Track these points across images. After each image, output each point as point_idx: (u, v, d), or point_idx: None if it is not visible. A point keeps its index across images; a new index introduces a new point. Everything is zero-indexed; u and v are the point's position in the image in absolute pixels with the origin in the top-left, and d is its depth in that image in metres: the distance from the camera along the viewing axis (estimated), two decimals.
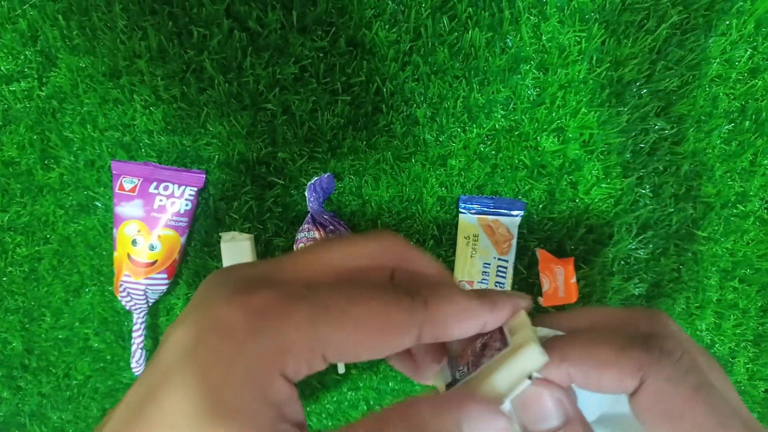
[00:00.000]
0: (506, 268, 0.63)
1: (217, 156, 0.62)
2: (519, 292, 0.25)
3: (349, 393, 0.71)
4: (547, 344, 0.24)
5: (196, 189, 0.61)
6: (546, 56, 0.58)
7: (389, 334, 0.21)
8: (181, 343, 0.19)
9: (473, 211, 0.62)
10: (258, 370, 0.19)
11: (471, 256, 0.63)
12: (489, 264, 0.63)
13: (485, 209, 0.62)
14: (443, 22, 0.57)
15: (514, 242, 0.63)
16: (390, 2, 0.56)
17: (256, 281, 0.21)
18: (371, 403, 0.71)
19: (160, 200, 0.60)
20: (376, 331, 0.21)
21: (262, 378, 0.19)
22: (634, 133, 0.60)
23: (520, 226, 0.63)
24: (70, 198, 0.64)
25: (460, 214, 0.62)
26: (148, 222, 0.60)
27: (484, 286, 0.62)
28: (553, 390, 0.24)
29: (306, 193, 0.61)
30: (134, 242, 0.60)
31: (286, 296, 0.20)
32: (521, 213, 0.62)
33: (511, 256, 0.63)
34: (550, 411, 0.24)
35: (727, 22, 0.58)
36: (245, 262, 0.22)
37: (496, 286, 0.63)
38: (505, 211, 0.62)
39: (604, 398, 0.26)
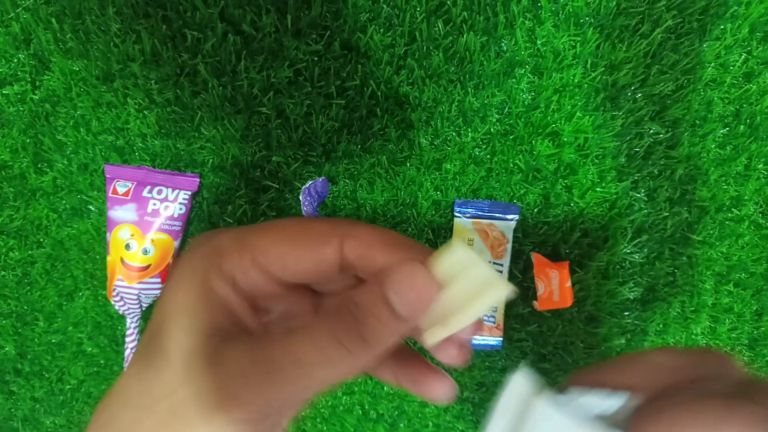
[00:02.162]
0: (501, 272, 0.63)
1: (211, 160, 0.61)
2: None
3: (344, 397, 0.71)
4: (637, 417, 0.19)
5: (190, 193, 0.61)
6: (541, 60, 0.58)
7: (310, 240, 0.24)
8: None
9: (468, 215, 0.62)
10: (200, 269, 0.23)
11: None
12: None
13: (480, 213, 0.62)
14: (438, 26, 0.57)
15: (509, 246, 0.63)
16: (385, 6, 0.56)
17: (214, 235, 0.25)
18: (366, 407, 0.71)
19: (154, 204, 0.60)
20: (298, 234, 0.24)
21: (204, 274, 0.23)
22: (628, 137, 0.60)
23: (515, 230, 0.63)
24: (64, 202, 0.63)
25: (455, 218, 0.62)
26: (142, 226, 0.60)
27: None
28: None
29: (300, 197, 0.61)
30: (127, 246, 0.60)
31: (229, 232, 0.25)
32: (516, 217, 0.62)
33: (506, 260, 0.63)
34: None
35: (722, 27, 0.58)
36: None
37: None
38: (500, 215, 0.62)
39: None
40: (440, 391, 0.26)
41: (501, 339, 0.64)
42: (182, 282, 0.23)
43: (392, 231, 0.25)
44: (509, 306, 0.65)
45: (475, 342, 0.65)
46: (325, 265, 0.24)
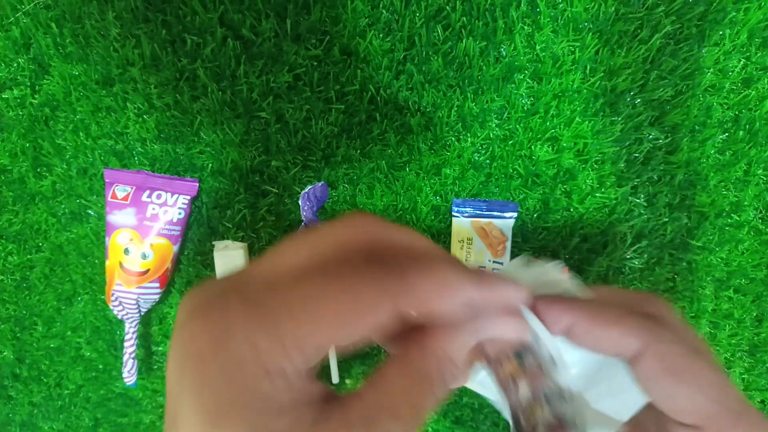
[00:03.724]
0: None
1: (210, 164, 0.61)
2: (513, 281, 0.25)
3: None
4: (556, 298, 0.26)
5: (189, 197, 0.61)
6: (540, 66, 0.58)
7: (360, 310, 0.20)
8: (172, 368, 0.21)
9: (466, 215, 0.62)
10: (224, 389, 0.19)
11: (465, 260, 0.62)
12: (484, 267, 0.62)
13: (478, 212, 0.62)
14: (437, 31, 0.57)
15: (508, 244, 0.62)
16: (384, 11, 0.56)
17: (219, 294, 0.21)
18: None
19: (153, 209, 0.60)
20: (346, 310, 0.20)
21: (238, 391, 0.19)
22: (628, 143, 0.60)
23: (514, 235, 0.63)
24: (63, 206, 0.63)
25: (453, 218, 0.62)
26: (141, 230, 0.60)
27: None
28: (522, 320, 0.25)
29: (300, 202, 0.61)
30: (126, 251, 0.60)
31: (247, 305, 0.20)
32: (514, 215, 0.62)
33: (506, 259, 0.63)
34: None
35: (720, 32, 0.58)
36: (219, 278, 0.23)
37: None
38: (498, 213, 0.62)
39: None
40: None
41: None
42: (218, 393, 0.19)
43: (443, 267, 0.22)
44: None
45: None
46: (377, 327, 0.21)
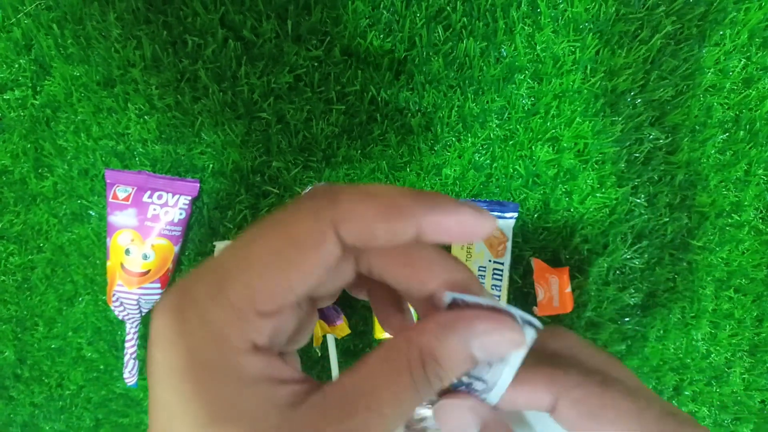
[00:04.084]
0: (502, 271, 0.62)
1: (211, 165, 0.61)
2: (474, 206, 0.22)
3: None
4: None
5: (190, 198, 0.61)
6: (540, 66, 0.58)
7: (296, 244, 0.19)
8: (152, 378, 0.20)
9: None
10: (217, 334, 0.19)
11: (466, 260, 0.62)
12: (484, 267, 0.62)
13: None
14: (438, 32, 0.57)
15: (508, 245, 0.62)
16: (385, 12, 0.57)
17: (173, 291, 0.21)
18: None
19: (154, 209, 0.60)
20: (282, 246, 0.19)
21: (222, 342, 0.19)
22: (628, 143, 0.60)
23: (514, 235, 0.63)
24: (64, 207, 0.63)
25: None
26: (142, 231, 0.60)
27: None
28: (465, 400, 0.23)
29: None
30: (127, 251, 0.60)
31: (193, 283, 0.20)
32: (515, 215, 0.62)
33: (507, 259, 0.63)
34: (467, 421, 0.23)
35: (721, 33, 0.59)
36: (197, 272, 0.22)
37: (492, 289, 0.62)
38: (499, 214, 0.62)
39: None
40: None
41: None
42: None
43: (376, 188, 0.21)
44: None
45: None
46: (327, 269, 0.20)
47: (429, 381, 0.20)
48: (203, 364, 0.18)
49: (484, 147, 0.61)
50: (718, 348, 0.68)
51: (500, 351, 0.21)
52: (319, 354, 0.65)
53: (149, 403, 0.20)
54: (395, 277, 0.23)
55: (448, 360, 0.21)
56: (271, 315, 0.20)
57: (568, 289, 0.61)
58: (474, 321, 0.21)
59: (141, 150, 0.61)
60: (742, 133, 0.61)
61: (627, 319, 0.66)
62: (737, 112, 0.61)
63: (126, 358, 0.64)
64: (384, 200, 0.20)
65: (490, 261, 0.62)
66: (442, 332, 0.21)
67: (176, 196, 0.61)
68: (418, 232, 0.20)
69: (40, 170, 0.62)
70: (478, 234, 0.21)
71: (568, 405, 0.22)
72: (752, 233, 0.64)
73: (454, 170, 0.61)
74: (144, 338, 0.67)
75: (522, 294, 0.65)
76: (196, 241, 0.64)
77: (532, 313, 0.64)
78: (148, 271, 0.61)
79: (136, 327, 0.63)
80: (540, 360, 0.23)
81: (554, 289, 0.61)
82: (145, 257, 0.60)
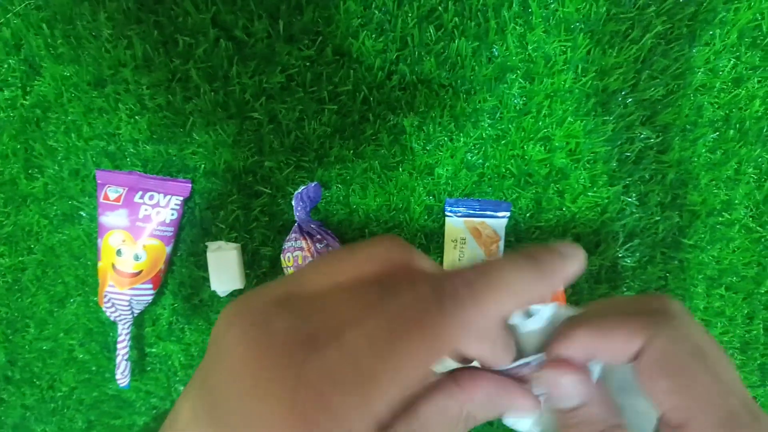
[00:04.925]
0: None
1: (203, 165, 0.61)
2: (568, 243, 0.23)
3: None
4: (563, 324, 0.26)
5: (182, 198, 0.61)
6: (532, 66, 0.58)
7: (432, 355, 0.18)
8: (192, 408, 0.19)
9: (459, 214, 0.62)
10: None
11: (459, 260, 0.63)
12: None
13: (471, 212, 0.62)
14: (430, 32, 0.57)
15: (501, 244, 0.63)
16: (377, 11, 0.57)
17: (273, 309, 0.19)
18: None
19: (146, 210, 0.60)
20: (421, 356, 0.18)
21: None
22: (619, 142, 0.60)
23: (507, 235, 0.63)
24: (55, 208, 0.63)
25: (446, 218, 0.62)
26: (133, 232, 0.60)
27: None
28: (569, 370, 0.25)
29: (293, 202, 0.61)
30: (119, 252, 0.60)
31: (306, 339, 0.18)
32: (507, 214, 0.62)
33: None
34: (567, 392, 0.25)
35: (711, 32, 0.59)
36: (263, 285, 0.21)
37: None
38: (491, 213, 0.62)
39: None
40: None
41: None
42: None
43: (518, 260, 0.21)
44: None
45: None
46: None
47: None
48: None
49: (477, 146, 0.61)
50: None
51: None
52: None
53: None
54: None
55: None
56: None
57: (561, 288, 0.61)
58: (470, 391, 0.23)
59: (132, 150, 0.61)
60: (732, 132, 0.61)
61: None
62: (727, 112, 0.61)
63: (118, 360, 0.63)
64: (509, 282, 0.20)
65: (483, 260, 0.62)
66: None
67: (168, 197, 0.60)
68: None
69: (30, 171, 0.62)
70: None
71: (653, 353, 0.23)
72: (743, 231, 0.65)
73: (447, 170, 0.61)
74: (136, 339, 0.67)
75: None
76: (188, 242, 0.64)
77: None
78: (140, 272, 0.60)
79: (128, 328, 0.63)
80: (638, 311, 0.25)
81: None
82: (137, 258, 0.60)
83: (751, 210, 0.64)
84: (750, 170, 0.63)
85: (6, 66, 0.59)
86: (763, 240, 0.64)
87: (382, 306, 0.19)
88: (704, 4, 0.57)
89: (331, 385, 0.17)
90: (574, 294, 0.64)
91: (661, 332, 0.23)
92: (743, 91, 0.60)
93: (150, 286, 0.61)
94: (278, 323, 0.18)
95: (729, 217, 0.64)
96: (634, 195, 0.62)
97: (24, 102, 0.59)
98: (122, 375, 0.64)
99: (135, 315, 0.63)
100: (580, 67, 0.58)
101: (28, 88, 0.59)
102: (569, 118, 0.59)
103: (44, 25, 0.57)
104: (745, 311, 0.67)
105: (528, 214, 0.63)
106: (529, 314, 0.26)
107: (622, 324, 0.24)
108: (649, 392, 0.24)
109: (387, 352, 0.18)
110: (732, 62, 0.60)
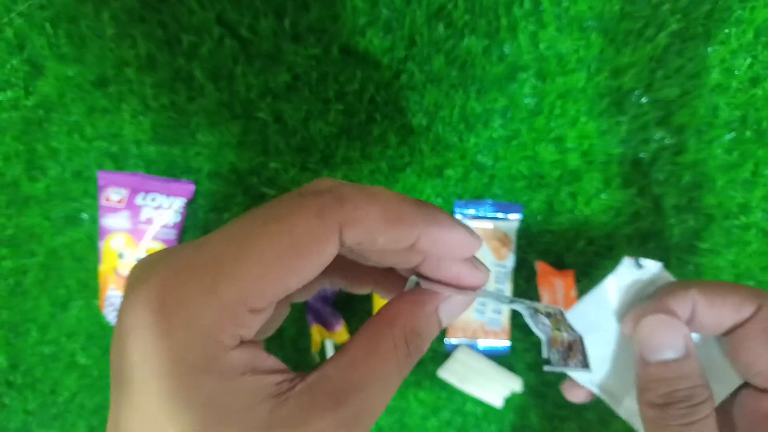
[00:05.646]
0: (505, 273, 0.61)
1: (207, 166, 0.60)
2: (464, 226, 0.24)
3: None
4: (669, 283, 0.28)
5: (185, 200, 0.60)
6: (544, 64, 0.57)
7: (303, 255, 0.19)
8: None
9: (469, 217, 0.61)
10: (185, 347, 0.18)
11: None
12: (489, 270, 0.61)
13: (481, 214, 0.61)
14: (439, 30, 0.56)
15: (512, 246, 0.61)
16: (384, 9, 0.55)
17: (149, 265, 0.21)
18: None
19: (148, 212, 0.59)
20: (288, 253, 0.19)
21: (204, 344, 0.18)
22: (634, 143, 0.59)
23: (518, 238, 0.61)
24: (57, 209, 0.62)
25: None
26: (135, 234, 0.59)
27: (483, 294, 0.61)
28: (676, 322, 0.25)
29: None
30: (121, 255, 0.59)
31: (178, 268, 0.20)
32: (519, 216, 0.61)
33: (510, 261, 0.61)
34: (671, 342, 0.25)
35: (726, 31, 0.57)
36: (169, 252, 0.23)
37: (496, 292, 0.61)
38: (502, 215, 0.61)
39: None
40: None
41: (509, 344, 0.63)
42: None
43: (379, 191, 0.21)
44: (512, 316, 0.63)
45: (482, 348, 0.63)
46: (322, 268, 0.20)
47: (411, 356, 0.22)
48: (191, 367, 0.17)
49: (487, 147, 0.59)
50: None
51: (458, 311, 0.25)
52: (318, 359, 0.64)
53: (119, 409, 0.18)
54: (383, 261, 0.24)
55: (428, 332, 0.23)
56: (261, 311, 0.19)
57: (573, 293, 0.60)
58: (437, 292, 0.24)
59: (135, 151, 0.60)
60: (748, 133, 0.60)
61: None
62: (744, 112, 0.60)
63: None
64: (389, 206, 0.20)
65: (493, 264, 0.61)
66: (419, 309, 0.23)
67: (171, 198, 0.59)
68: (415, 241, 0.21)
69: (32, 172, 0.61)
70: (466, 253, 0.23)
71: (761, 318, 0.24)
72: (760, 235, 0.63)
73: (456, 171, 0.60)
74: None
75: (526, 298, 0.63)
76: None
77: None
78: None
79: None
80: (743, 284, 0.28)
81: (559, 292, 0.60)
82: None
83: None
84: (767, 172, 0.61)
85: (9, 66, 0.58)
86: None
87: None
88: (719, 2, 0.56)
89: (186, 277, 0.19)
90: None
91: None
92: (760, 91, 0.59)
93: None
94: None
95: (745, 220, 0.62)
96: (648, 198, 0.61)
97: (26, 102, 0.59)
98: None
99: None
100: (593, 66, 0.57)
101: (30, 89, 0.58)
102: (582, 118, 0.58)
103: (47, 25, 0.56)
104: None
105: (539, 217, 0.61)
106: (639, 265, 0.29)
107: (735, 290, 0.25)
108: (744, 358, 0.25)
109: (238, 242, 0.19)
110: (748, 61, 0.58)
